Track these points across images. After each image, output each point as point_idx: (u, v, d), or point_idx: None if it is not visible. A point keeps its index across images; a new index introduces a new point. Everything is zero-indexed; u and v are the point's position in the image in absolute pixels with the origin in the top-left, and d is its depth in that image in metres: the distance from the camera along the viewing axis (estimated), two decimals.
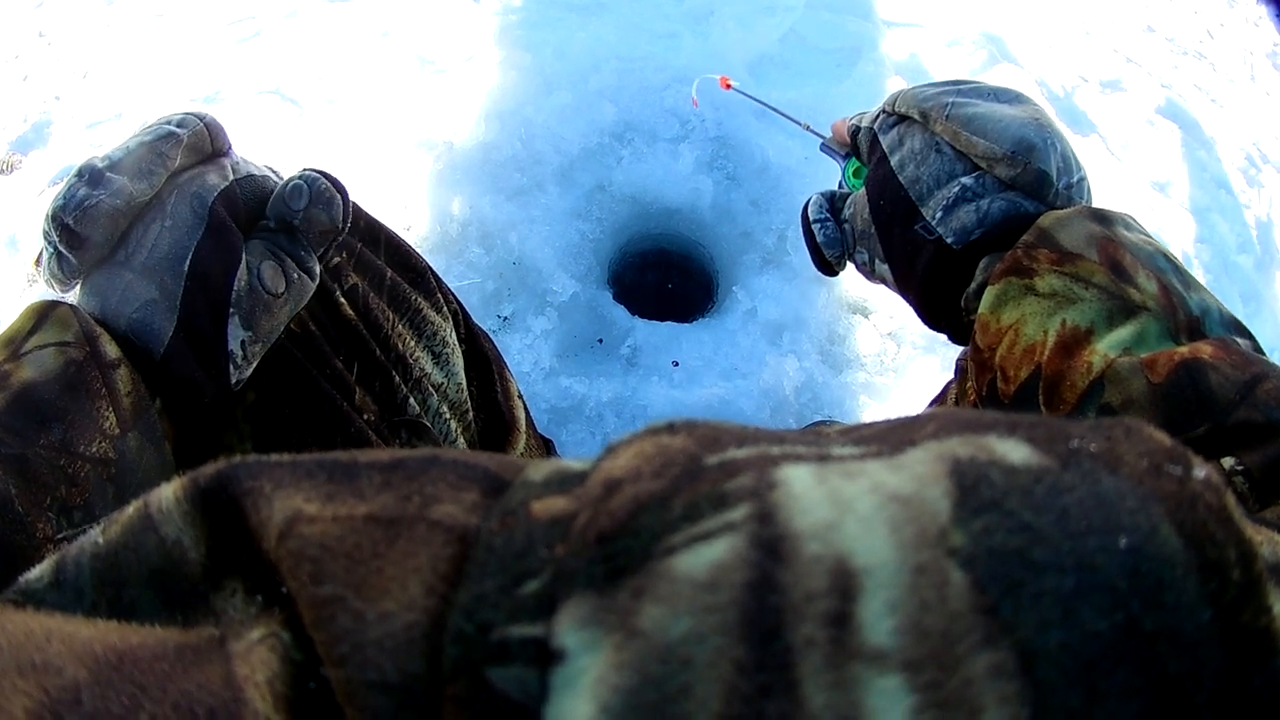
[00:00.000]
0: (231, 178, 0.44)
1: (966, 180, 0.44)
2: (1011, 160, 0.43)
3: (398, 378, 0.53)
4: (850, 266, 0.55)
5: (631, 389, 1.09)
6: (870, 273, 0.52)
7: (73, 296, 0.43)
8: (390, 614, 0.15)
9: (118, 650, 0.16)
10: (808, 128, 0.60)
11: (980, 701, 0.12)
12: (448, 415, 0.57)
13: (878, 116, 0.51)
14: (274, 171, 0.48)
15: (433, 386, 0.56)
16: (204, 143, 0.43)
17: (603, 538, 0.15)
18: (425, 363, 0.56)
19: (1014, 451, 0.15)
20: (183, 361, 0.40)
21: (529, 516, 0.16)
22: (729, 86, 0.69)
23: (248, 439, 0.46)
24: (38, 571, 0.20)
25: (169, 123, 0.42)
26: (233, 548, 0.18)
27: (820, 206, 0.54)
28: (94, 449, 0.37)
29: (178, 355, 0.40)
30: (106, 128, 1.43)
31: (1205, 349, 0.36)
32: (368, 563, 0.16)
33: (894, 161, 0.48)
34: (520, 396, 0.71)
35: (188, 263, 0.40)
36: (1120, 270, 0.40)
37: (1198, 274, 1.41)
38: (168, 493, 0.19)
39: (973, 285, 0.45)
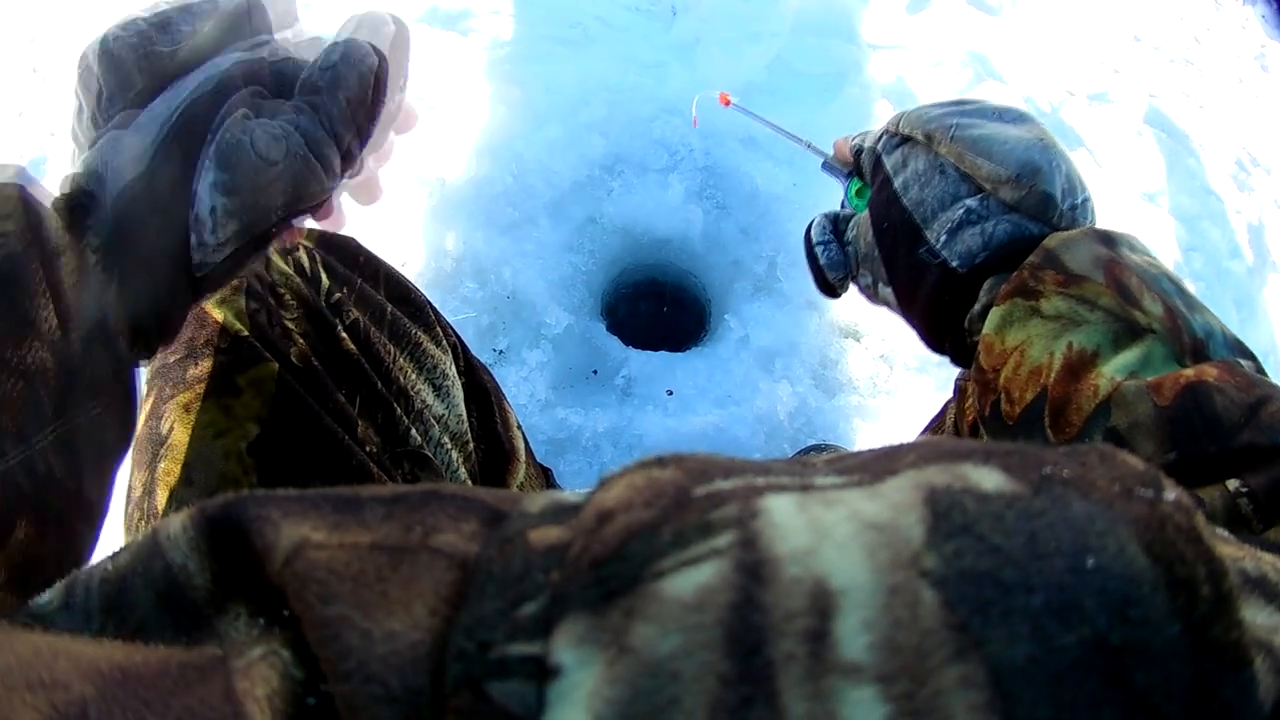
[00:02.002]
0: (264, 59, 0.39)
1: (971, 203, 0.44)
2: (1016, 183, 0.43)
3: (399, 410, 0.54)
4: (852, 288, 0.54)
5: (627, 419, 1.10)
6: (873, 295, 0.52)
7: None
8: (395, 633, 0.16)
9: (123, 668, 0.17)
10: (809, 145, 0.59)
11: (950, 711, 0.13)
12: (449, 446, 0.59)
13: (881, 137, 0.50)
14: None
15: (434, 418, 0.57)
16: (241, 13, 0.39)
17: (596, 563, 0.16)
18: (426, 395, 0.57)
19: (987, 479, 0.16)
20: (136, 211, 0.34)
21: (526, 545, 0.17)
22: (729, 103, 0.67)
23: (252, 473, 0.46)
24: (48, 595, 0.20)
25: None
26: (237, 573, 0.19)
27: (823, 228, 0.53)
28: (28, 359, 0.31)
29: (131, 202, 0.34)
30: None
31: (1210, 371, 0.37)
32: (373, 586, 0.17)
33: (898, 184, 0.47)
34: (519, 427, 0.72)
35: (179, 109, 0.35)
36: (1126, 292, 0.40)
37: (1191, 282, 1.42)
38: (176, 522, 0.20)
39: (977, 306, 0.45)
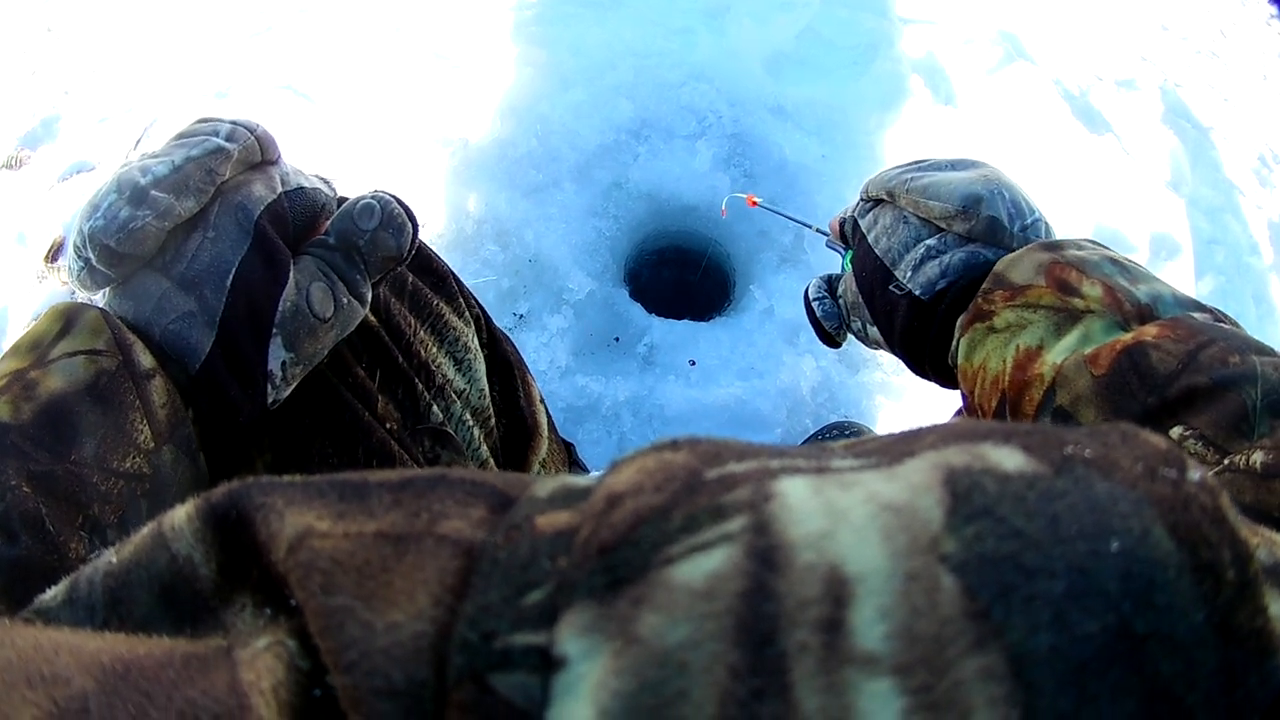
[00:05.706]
0: (279, 190, 0.42)
1: (931, 241, 0.49)
2: (964, 214, 0.47)
3: (420, 385, 0.51)
4: (850, 337, 0.62)
5: (648, 388, 1.08)
6: (865, 338, 0.58)
7: (99, 298, 0.41)
8: (398, 624, 0.16)
9: (124, 660, 0.16)
10: (818, 230, 0.67)
11: (970, 703, 0.13)
12: (470, 422, 0.56)
13: (857, 205, 0.57)
14: (326, 183, 0.46)
15: (455, 393, 0.55)
16: (254, 156, 0.41)
17: (604, 549, 0.15)
18: (448, 369, 0.55)
19: (1008, 459, 0.15)
20: (219, 378, 0.39)
21: (533, 530, 0.17)
22: (755, 204, 0.76)
23: (268, 450, 0.45)
24: (52, 592, 0.20)
25: (217, 133, 0.40)
26: (242, 563, 0.19)
27: (819, 287, 0.61)
28: (127, 464, 0.35)
29: (215, 371, 0.39)
30: (116, 122, 1.42)
31: (1150, 331, 0.37)
32: (377, 576, 0.16)
33: (870, 238, 0.53)
34: (542, 400, 0.70)
35: (230, 278, 0.38)
36: (1066, 286, 0.42)
37: (1209, 278, 1.41)
38: (180, 513, 0.19)
39: (954, 344, 0.48)
